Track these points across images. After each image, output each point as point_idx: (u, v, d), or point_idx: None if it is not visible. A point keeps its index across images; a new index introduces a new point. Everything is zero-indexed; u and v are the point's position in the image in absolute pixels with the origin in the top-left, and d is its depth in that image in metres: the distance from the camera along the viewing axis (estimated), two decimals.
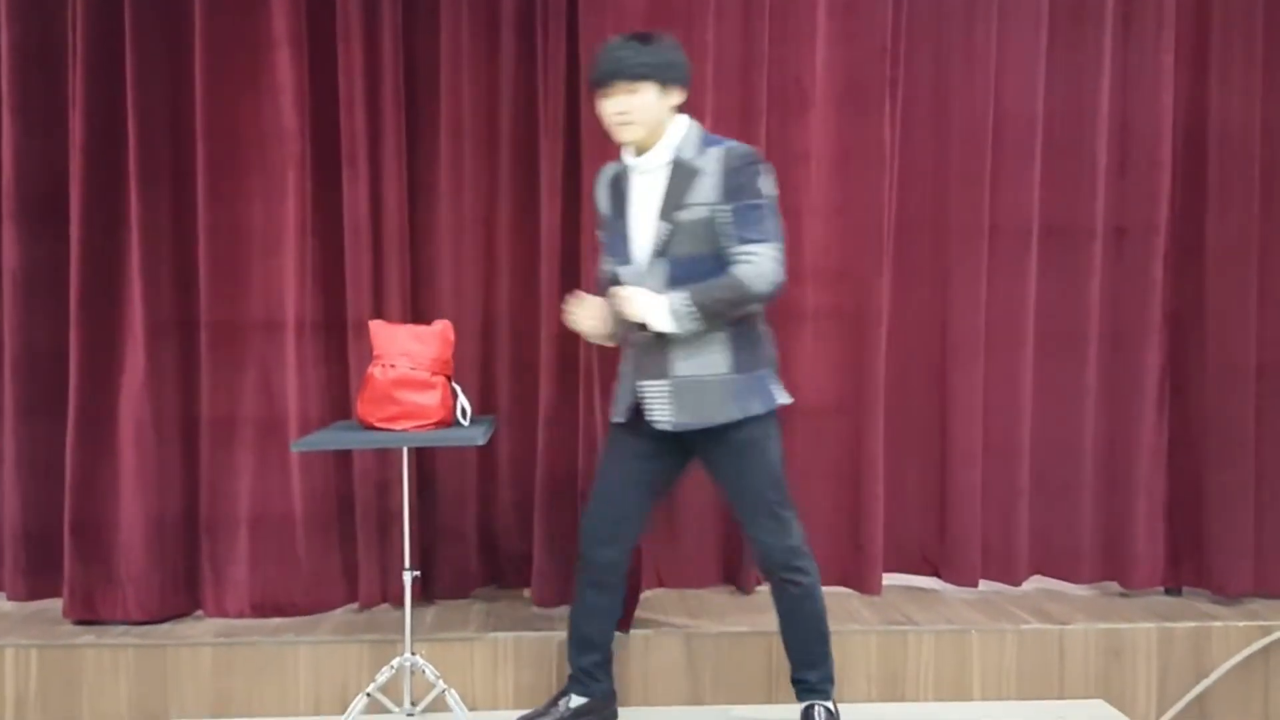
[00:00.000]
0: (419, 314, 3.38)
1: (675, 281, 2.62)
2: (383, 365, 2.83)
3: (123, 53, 3.23)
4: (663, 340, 2.64)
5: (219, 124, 3.28)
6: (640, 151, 2.70)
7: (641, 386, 2.69)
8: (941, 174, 3.59)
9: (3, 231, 3.33)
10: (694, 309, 2.58)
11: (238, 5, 3.28)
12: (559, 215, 3.38)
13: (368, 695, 2.81)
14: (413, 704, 2.87)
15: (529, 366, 3.47)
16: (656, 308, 2.60)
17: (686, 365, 2.65)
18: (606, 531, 2.79)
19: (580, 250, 3.36)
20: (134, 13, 3.23)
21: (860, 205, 3.49)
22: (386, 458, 3.34)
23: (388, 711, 2.83)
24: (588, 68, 2.70)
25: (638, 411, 2.71)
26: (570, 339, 3.38)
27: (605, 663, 2.88)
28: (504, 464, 3.55)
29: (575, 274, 3.37)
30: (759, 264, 2.59)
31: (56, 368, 3.29)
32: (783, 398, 2.75)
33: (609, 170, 2.83)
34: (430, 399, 2.83)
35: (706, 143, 2.68)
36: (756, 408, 2.67)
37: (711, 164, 2.62)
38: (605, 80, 2.63)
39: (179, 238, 3.33)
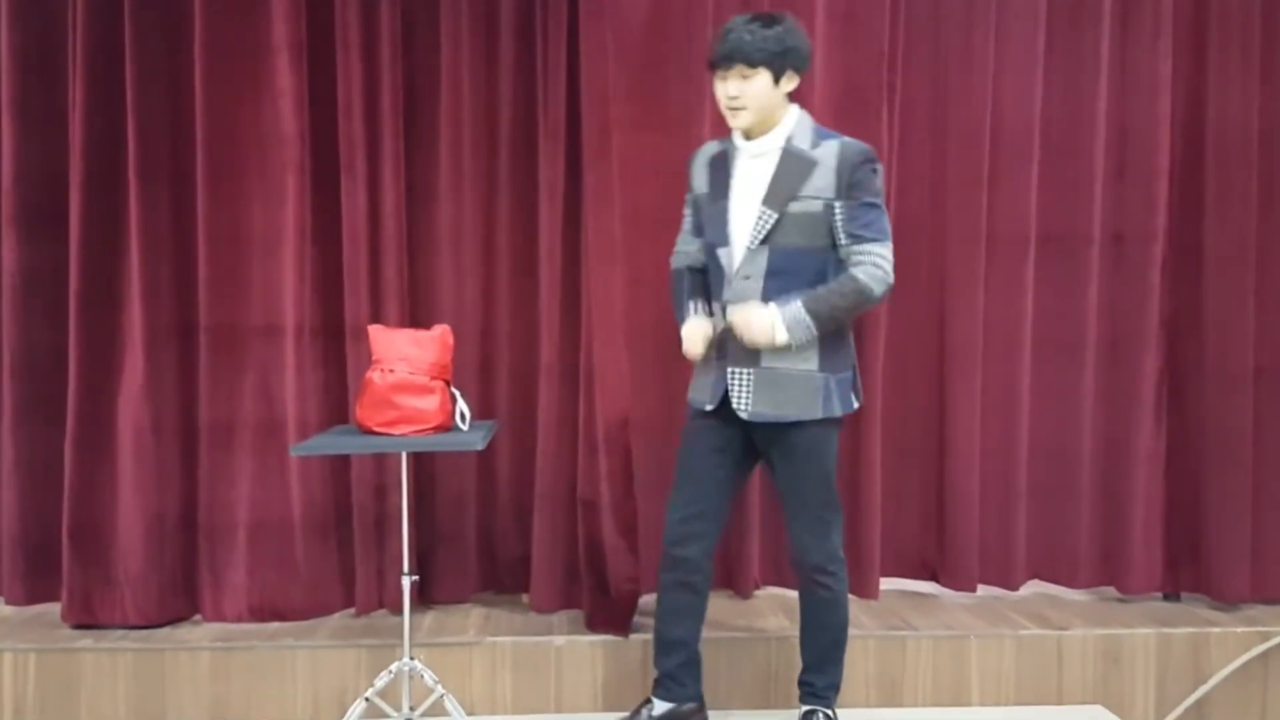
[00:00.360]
0: (418, 318, 3.38)
1: (774, 272, 2.59)
2: (381, 370, 2.83)
3: (123, 56, 3.23)
4: None
5: (219, 128, 3.28)
6: (750, 136, 2.66)
7: (732, 373, 2.65)
8: (939, 179, 3.58)
9: (2, 234, 3.33)
10: (809, 321, 2.55)
11: (238, 10, 3.28)
12: (559, 220, 3.38)
13: (366, 700, 2.81)
14: (411, 709, 2.86)
15: (528, 371, 3.47)
16: (776, 327, 2.55)
17: (776, 358, 2.61)
18: (691, 528, 2.74)
19: (580, 254, 3.35)
20: (134, 16, 3.23)
21: None
22: (385, 462, 3.34)
23: (386, 716, 2.82)
24: (711, 42, 2.65)
25: (723, 400, 2.67)
26: (570, 343, 3.39)
27: (691, 665, 2.81)
28: (503, 468, 3.55)
29: (575, 278, 3.37)
30: (878, 264, 2.58)
31: (55, 371, 3.29)
32: (858, 401, 2.74)
33: (710, 148, 2.78)
34: (429, 404, 2.83)
35: (820, 135, 2.65)
36: (836, 409, 2.65)
37: (828, 157, 2.59)
38: (721, 62, 2.59)
39: (178, 242, 3.33)
